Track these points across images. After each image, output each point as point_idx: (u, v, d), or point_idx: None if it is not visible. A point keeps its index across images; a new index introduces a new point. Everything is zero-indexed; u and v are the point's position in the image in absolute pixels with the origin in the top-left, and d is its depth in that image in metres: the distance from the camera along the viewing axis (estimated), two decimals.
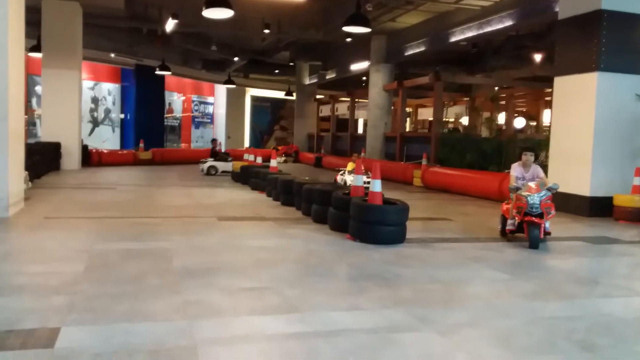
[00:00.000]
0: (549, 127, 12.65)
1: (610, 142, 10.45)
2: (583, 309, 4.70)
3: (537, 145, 13.72)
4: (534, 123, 25.34)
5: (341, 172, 14.40)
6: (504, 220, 7.85)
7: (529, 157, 7.71)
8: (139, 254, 6.02)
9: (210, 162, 17.78)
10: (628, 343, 3.89)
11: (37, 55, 17.65)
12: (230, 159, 18.04)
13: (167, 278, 5.04)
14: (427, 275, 5.63)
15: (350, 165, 13.93)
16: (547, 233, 7.41)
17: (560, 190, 10.97)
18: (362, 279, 5.32)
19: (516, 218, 7.31)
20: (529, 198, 7.06)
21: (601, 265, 6.77)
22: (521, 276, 5.76)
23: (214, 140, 20.13)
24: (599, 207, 10.36)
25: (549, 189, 7.20)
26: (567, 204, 10.83)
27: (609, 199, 10.24)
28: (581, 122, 10.61)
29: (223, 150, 22.09)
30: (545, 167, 11.91)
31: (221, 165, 17.56)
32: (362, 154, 20.64)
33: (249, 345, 3.54)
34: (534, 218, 7.09)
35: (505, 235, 7.79)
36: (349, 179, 13.09)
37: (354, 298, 4.68)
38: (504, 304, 4.74)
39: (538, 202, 7.03)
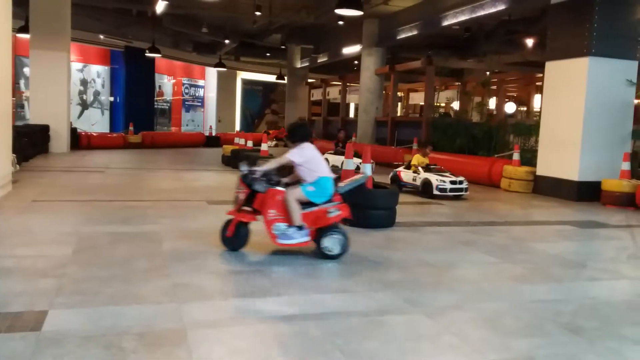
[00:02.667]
0: (539, 112, 12.68)
1: (599, 127, 10.50)
2: (570, 292, 4.75)
3: (527, 130, 13.80)
4: (525, 108, 25.40)
5: (403, 167, 11.17)
6: None
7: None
8: (128, 237, 6.00)
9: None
10: (614, 326, 3.94)
11: (25, 36, 17.38)
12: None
13: (156, 261, 5.02)
14: (416, 258, 5.66)
15: (416, 159, 10.78)
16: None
17: (550, 174, 11.15)
18: (352, 263, 5.33)
19: None
20: None
21: (588, 249, 6.84)
22: (509, 259, 5.80)
23: (340, 130, 16.20)
24: (587, 192, 10.44)
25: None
26: (556, 189, 10.91)
27: (597, 184, 10.32)
28: (571, 107, 10.64)
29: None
30: (534, 152, 11.98)
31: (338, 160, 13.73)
32: (353, 139, 20.63)
33: (238, 328, 3.55)
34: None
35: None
36: (436, 179, 10.07)
37: (343, 281, 4.70)
38: (492, 287, 4.78)
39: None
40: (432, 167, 10.68)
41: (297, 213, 5.25)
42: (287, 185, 5.47)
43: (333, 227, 5.37)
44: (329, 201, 5.40)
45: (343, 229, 5.45)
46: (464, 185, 10.13)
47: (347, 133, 16.56)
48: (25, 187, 9.41)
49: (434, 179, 10.06)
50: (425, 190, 10.15)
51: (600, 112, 10.46)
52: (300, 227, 5.30)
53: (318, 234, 5.36)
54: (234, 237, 5.49)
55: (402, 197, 8.77)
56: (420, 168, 10.52)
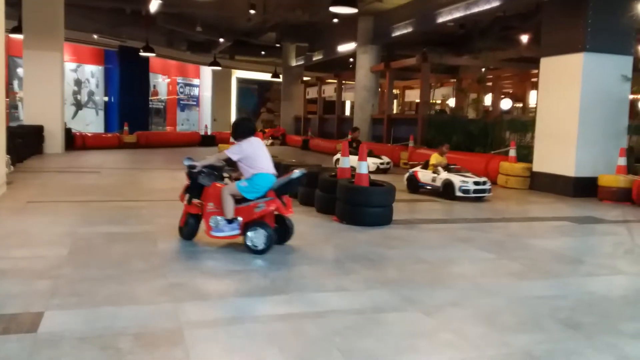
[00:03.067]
0: (535, 108, 12.69)
1: (595, 122, 10.51)
2: (567, 287, 4.75)
3: (523, 126, 13.81)
4: (521, 104, 25.44)
5: (420, 167, 10.71)
6: None
7: None
8: (124, 237, 5.97)
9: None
10: (611, 320, 3.94)
11: (18, 36, 17.29)
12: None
13: (152, 261, 5.00)
14: (413, 255, 5.65)
15: (434, 158, 10.45)
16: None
17: (546, 171, 11.16)
18: (349, 261, 5.33)
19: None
20: None
21: (585, 244, 6.85)
22: (506, 256, 5.80)
23: (354, 130, 15.56)
24: (583, 188, 10.45)
25: None
26: (553, 185, 10.93)
27: (594, 180, 10.33)
28: (567, 103, 10.65)
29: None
30: (530, 148, 11.98)
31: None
32: (349, 137, 20.59)
33: (235, 327, 3.53)
34: None
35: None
36: (459, 180, 9.56)
37: (340, 279, 4.68)
38: (489, 283, 4.77)
39: None
40: (451, 166, 10.24)
41: (229, 207, 5.36)
42: (237, 179, 5.64)
43: (258, 222, 5.38)
44: (264, 197, 5.43)
45: (269, 225, 5.42)
46: (487, 187, 9.66)
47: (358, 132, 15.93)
48: (19, 188, 9.36)
49: (456, 179, 9.56)
50: (446, 191, 9.65)
51: (596, 107, 10.47)
52: (231, 221, 5.40)
53: (246, 228, 5.40)
54: (185, 227, 5.81)
55: (405, 195, 8.73)
56: (440, 168, 10.09)
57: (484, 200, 9.77)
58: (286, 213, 5.50)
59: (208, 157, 5.82)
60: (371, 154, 14.15)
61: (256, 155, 5.49)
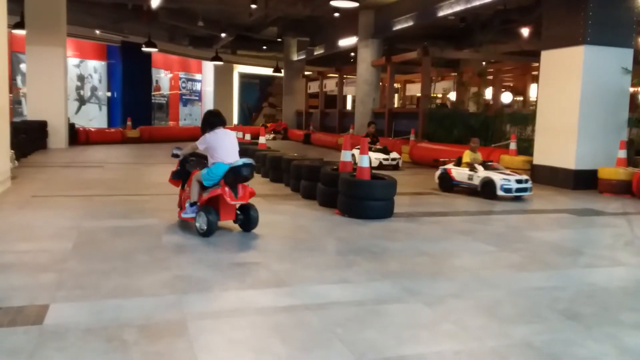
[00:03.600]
0: (536, 101, 12.68)
1: (595, 115, 10.51)
2: (567, 279, 4.78)
3: (523, 119, 13.81)
4: (521, 98, 25.40)
5: (452, 164, 9.99)
6: None
7: None
8: (128, 231, 6.02)
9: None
10: (611, 311, 3.97)
11: (21, 32, 17.31)
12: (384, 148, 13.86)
13: (156, 254, 5.05)
14: (414, 248, 5.69)
15: (467, 155, 9.76)
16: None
17: (547, 163, 11.18)
18: (351, 253, 5.37)
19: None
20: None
21: (585, 236, 6.88)
22: (507, 248, 5.83)
23: (370, 124, 15.16)
24: (583, 180, 10.47)
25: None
26: (553, 177, 10.95)
27: (594, 172, 10.34)
28: (567, 95, 10.65)
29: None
30: (531, 141, 11.99)
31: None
32: (351, 131, 20.64)
33: (238, 319, 3.58)
34: None
35: None
36: (500, 178, 8.87)
37: (342, 271, 4.73)
38: (489, 275, 4.81)
39: None
40: (488, 163, 9.56)
41: (193, 191, 5.99)
42: None
43: (204, 207, 5.84)
44: (218, 184, 5.82)
45: (213, 211, 5.76)
46: (529, 185, 9.01)
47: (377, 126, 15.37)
48: (24, 183, 9.41)
49: (497, 178, 8.83)
50: (486, 190, 8.99)
51: (596, 100, 10.47)
52: (192, 204, 5.99)
53: (197, 212, 5.91)
54: (180, 209, 6.44)
55: (406, 189, 8.74)
56: (477, 165, 9.37)
57: (523, 200, 9.17)
58: (230, 200, 5.78)
59: (186, 147, 6.41)
60: (385, 150, 13.97)
61: (217, 146, 5.92)
